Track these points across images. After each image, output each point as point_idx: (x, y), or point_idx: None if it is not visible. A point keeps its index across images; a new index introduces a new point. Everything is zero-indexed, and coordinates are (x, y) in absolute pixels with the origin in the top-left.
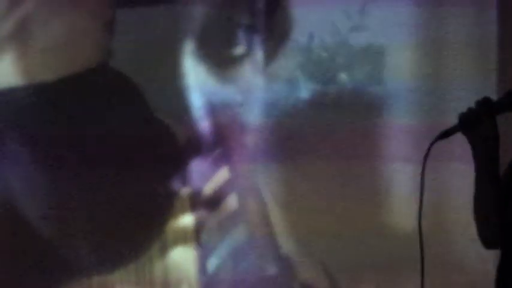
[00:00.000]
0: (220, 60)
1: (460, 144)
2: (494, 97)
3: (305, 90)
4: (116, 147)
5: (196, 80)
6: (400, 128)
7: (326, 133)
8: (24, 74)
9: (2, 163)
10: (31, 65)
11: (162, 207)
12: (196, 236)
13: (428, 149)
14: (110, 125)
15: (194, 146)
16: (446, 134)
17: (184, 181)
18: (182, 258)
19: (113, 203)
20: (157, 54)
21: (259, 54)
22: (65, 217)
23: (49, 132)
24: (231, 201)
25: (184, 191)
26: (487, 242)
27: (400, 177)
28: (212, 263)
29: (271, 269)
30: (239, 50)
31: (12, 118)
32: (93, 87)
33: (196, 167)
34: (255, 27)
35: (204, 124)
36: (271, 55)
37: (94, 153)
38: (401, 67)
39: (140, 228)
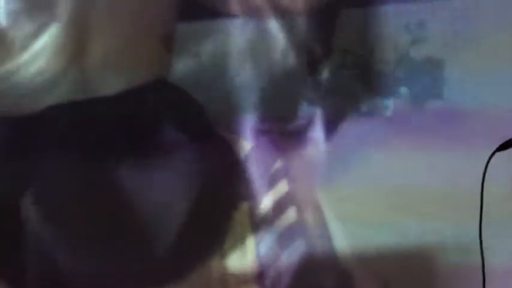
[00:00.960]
0: (280, 133)
1: None
2: None
3: (365, 104)
4: (174, 162)
5: (256, 96)
6: (460, 141)
7: (385, 147)
8: (84, 88)
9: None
10: (91, 79)
11: (221, 221)
12: (255, 249)
13: (488, 161)
14: (168, 139)
15: (253, 159)
16: (504, 146)
17: (243, 194)
18: (241, 272)
19: (168, 218)
20: (217, 69)
21: (319, 127)
22: (114, 229)
23: (107, 145)
24: (290, 215)
25: (244, 204)
26: None
27: (459, 194)
28: (270, 276)
29: (330, 284)
30: (300, 122)
31: (71, 131)
32: (151, 102)
33: (256, 180)
34: (317, 101)
35: (263, 137)
36: (331, 128)
37: (152, 166)
38: (461, 80)
39: (199, 242)
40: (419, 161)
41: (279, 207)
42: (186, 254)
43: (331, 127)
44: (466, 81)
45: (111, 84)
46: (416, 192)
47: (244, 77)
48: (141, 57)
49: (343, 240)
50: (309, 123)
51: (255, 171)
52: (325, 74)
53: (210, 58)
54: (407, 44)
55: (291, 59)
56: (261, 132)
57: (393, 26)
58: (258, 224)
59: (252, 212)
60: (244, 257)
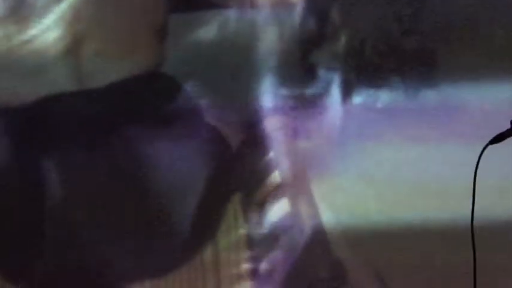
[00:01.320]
0: (297, 96)
1: None
2: None
3: (358, 94)
4: (167, 152)
5: (252, 83)
6: (454, 132)
7: (379, 138)
8: (78, 79)
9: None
10: (85, 70)
11: (214, 212)
12: (248, 240)
13: (481, 154)
14: (161, 130)
15: (247, 150)
16: (498, 139)
17: (236, 185)
18: (234, 261)
19: (163, 207)
20: (211, 60)
21: (336, 93)
22: (115, 221)
23: (101, 136)
24: (283, 206)
25: (236, 195)
26: None
27: (453, 186)
28: (264, 267)
29: (323, 274)
30: (316, 89)
31: (66, 123)
32: (144, 93)
33: (248, 170)
34: (335, 68)
35: (256, 128)
36: (348, 94)
37: (145, 159)
38: (455, 71)
39: (192, 233)
40: (412, 152)
41: (272, 198)
42: (180, 244)
43: (347, 92)
44: (459, 72)
45: (104, 75)
46: (410, 184)
47: (266, 42)
48: (134, 48)
49: (336, 232)
50: (327, 87)
51: (247, 161)
52: (318, 64)
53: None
54: (401, 35)
55: (311, 24)
56: (279, 101)
57: (386, 17)
58: (251, 215)
59: (244, 202)
60: (238, 247)
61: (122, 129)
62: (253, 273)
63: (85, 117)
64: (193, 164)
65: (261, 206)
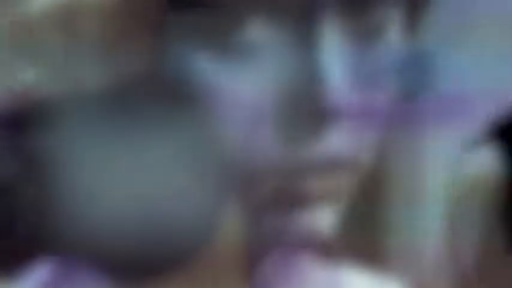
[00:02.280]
0: (355, 31)
1: None
2: None
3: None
4: (168, 154)
5: (250, 79)
6: (454, 133)
7: (378, 139)
8: (72, 81)
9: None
10: (79, 71)
11: (213, 210)
12: (247, 239)
13: (464, 159)
14: (161, 132)
15: (246, 152)
16: (478, 144)
17: (235, 182)
18: (233, 261)
19: (161, 205)
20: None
21: (397, 27)
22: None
23: (97, 139)
24: (281, 204)
25: (236, 193)
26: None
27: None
28: (263, 266)
29: (319, 269)
30: (376, 21)
31: (60, 125)
32: (142, 94)
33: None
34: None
35: (254, 128)
36: (410, 28)
37: (141, 165)
38: (454, 72)
39: (189, 230)
40: (411, 153)
41: (271, 196)
42: (178, 244)
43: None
44: (459, 72)
45: (100, 77)
46: (407, 181)
47: None
48: (131, 47)
49: (334, 229)
50: (387, 20)
51: (246, 161)
52: None
53: None
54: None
55: None
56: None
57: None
58: (250, 214)
59: (244, 200)
60: (237, 247)
61: (116, 133)
62: (252, 273)
63: (79, 120)
64: (190, 162)
65: (261, 204)
